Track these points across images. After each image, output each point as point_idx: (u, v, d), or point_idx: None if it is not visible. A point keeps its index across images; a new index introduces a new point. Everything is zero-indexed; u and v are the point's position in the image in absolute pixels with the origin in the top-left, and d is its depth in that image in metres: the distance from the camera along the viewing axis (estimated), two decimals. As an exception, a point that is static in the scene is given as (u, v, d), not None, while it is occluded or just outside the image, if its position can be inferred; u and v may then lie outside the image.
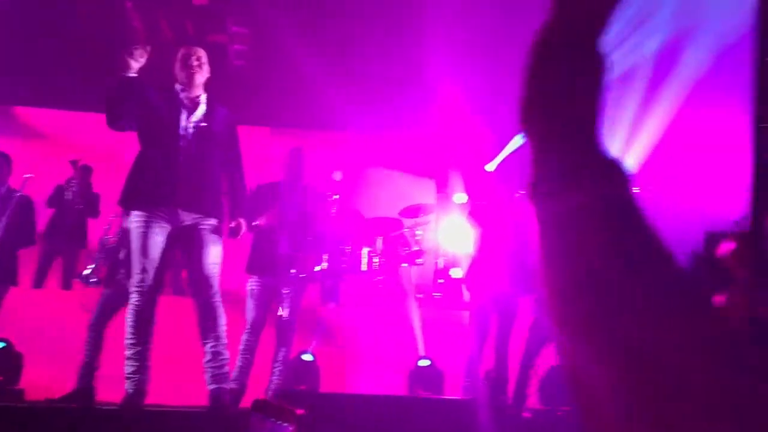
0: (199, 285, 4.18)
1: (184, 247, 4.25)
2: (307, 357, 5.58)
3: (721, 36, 6.72)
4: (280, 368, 5.16)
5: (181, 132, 4.20)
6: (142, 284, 4.07)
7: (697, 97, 6.87)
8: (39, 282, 7.34)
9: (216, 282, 4.21)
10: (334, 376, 5.77)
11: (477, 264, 5.38)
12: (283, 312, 5.16)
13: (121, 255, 4.78)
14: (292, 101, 7.76)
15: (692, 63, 6.99)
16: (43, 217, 6.91)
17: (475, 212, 5.54)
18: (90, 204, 7.52)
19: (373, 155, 8.48)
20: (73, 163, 7.52)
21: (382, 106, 7.68)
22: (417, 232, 6.88)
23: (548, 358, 4.98)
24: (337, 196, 5.45)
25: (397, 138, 8.31)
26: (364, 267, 6.48)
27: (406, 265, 6.68)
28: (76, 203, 7.45)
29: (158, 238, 4.12)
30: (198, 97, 4.29)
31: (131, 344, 4.07)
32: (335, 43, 7.44)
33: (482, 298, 5.14)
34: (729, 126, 6.81)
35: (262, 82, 7.87)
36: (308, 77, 7.26)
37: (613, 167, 0.60)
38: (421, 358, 5.78)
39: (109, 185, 5.86)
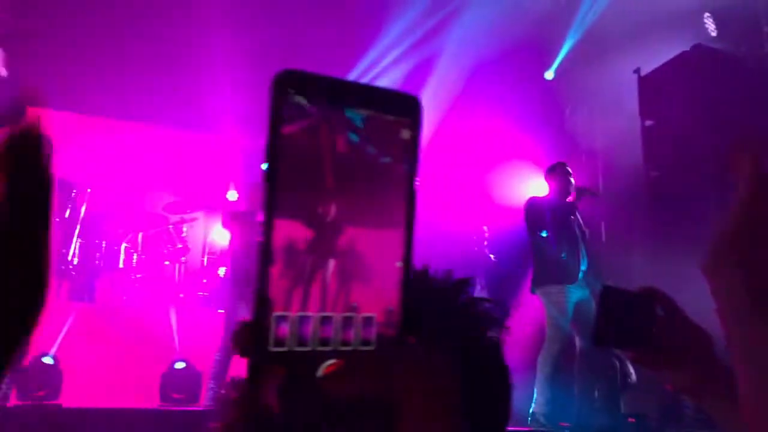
0: None
1: None
2: (47, 360, 5.10)
3: (473, 57, 7.30)
4: (10, 374, 4.66)
5: None
6: None
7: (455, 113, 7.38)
8: None
9: None
10: (79, 382, 5.34)
11: (233, 265, 5.29)
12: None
13: None
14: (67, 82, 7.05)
15: (445, 82, 7.51)
16: None
17: (229, 215, 5.43)
18: None
19: (149, 146, 7.99)
20: None
21: (165, 94, 7.26)
22: (183, 229, 6.63)
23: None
24: (89, 190, 5.06)
25: (178, 130, 7.91)
26: (121, 264, 6.10)
27: (168, 262, 6.39)
28: None
29: None
30: None
31: None
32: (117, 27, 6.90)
33: (235, 300, 5.04)
34: (483, 140, 7.42)
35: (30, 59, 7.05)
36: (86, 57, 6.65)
37: None
38: (177, 360, 5.55)
39: None
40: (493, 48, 7.19)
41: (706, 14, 7.14)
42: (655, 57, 6.17)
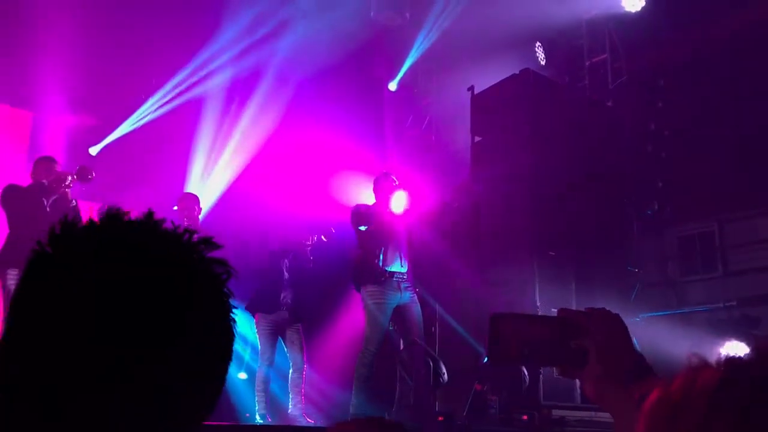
0: None
1: None
2: None
3: (316, 64, 7.39)
4: None
5: None
6: None
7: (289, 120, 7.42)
8: None
9: None
10: None
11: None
12: None
13: None
14: None
15: (285, 89, 7.53)
16: None
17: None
18: None
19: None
20: None
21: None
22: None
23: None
24: None
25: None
26: None
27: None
28: None
29: None
30: None
31: None
32: None
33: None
34: (321, 144, 7.48)
35: None
36: None
37: None
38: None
39: None
40: (339, 56, 7.29)
41: (537, 43, 7.68)
42: (490, 77, 6.51)
